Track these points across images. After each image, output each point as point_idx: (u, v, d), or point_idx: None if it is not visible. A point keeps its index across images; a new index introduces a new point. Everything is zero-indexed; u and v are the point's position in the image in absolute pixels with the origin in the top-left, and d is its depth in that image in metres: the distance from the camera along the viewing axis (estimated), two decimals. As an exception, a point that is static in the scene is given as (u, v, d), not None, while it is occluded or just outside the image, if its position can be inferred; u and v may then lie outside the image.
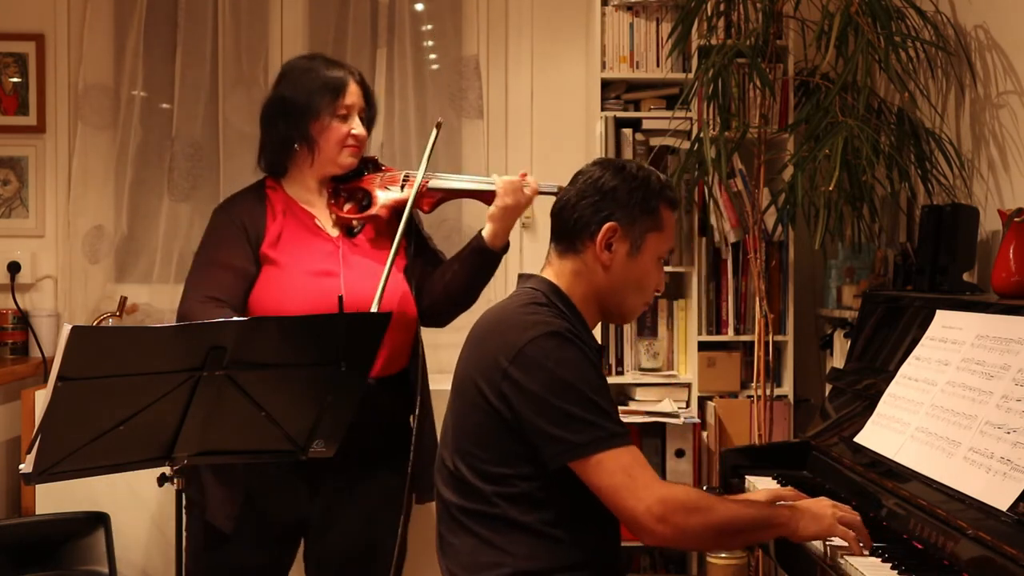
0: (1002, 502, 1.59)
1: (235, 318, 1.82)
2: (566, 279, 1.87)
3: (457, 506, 1.80)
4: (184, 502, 1.96)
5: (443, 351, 3.33)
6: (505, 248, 2.46)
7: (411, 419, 2.42)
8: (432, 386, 2.54)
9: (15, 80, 3.50)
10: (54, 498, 2.99)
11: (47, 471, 1.73)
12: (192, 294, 2.36)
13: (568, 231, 1.87)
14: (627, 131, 3.25)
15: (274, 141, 2.43)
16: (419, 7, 3.55)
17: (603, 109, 3.25)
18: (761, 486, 2.19)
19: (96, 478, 1.94)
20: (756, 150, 3.01)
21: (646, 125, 3.25)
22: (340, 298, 2.22)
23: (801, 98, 3.16)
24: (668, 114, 3.19)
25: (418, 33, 3.55)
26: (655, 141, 3.24)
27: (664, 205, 1.88)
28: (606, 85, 3.28)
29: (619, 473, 1.67)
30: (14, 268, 3.47)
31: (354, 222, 2.43)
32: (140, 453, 1.87)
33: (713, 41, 3.05)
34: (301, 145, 2.40)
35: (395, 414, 2.42)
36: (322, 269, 2.35)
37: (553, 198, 2.02)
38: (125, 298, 3.38)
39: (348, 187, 2.48)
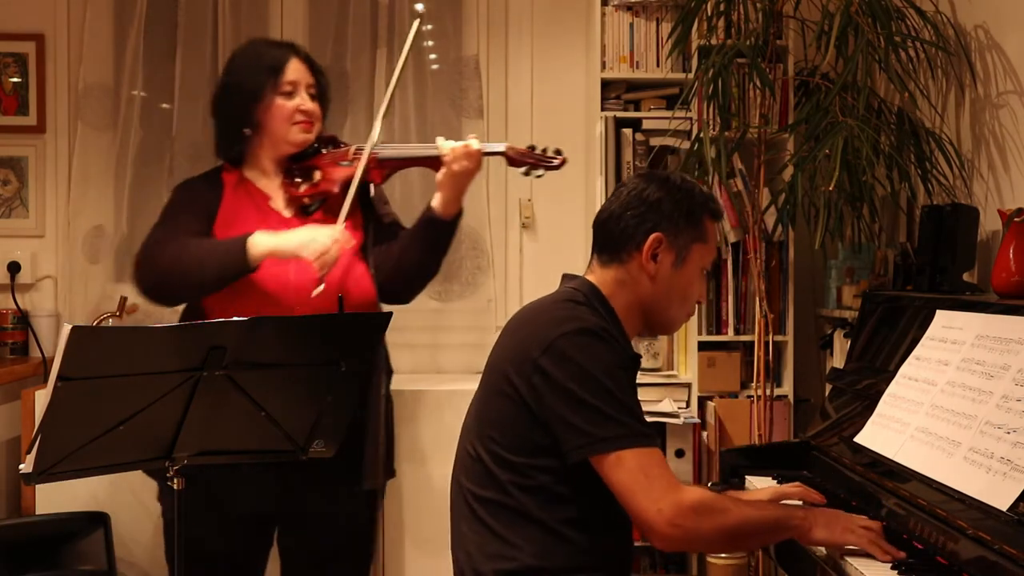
0: (1002, 502, 1.59)
1: (235, 318, 1.82)
2: (609, 288, 1.87)
3: (473, 494, 1.80)
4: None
5: (442, 352, 3.33)
6: (458, 216, 2.42)
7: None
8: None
9: (15, 80, 3.50)
10: (54, 498, 2.99)
11: (47, 471, 1.74)
12: (149, 239, 2.35)
13: (613, 242, 1.87)
14: (627, 131, 3.24)
15: (225, 129, 2.42)
16: (419, 7, 3.54)
17: (603, 109, 3.25)
18: (761, 486, 2.19)
19: (96, 478, 1.94)
20: (756, 150, 3.01)
21: (646, 125, 3.25)
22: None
23: (801, 98, 3.16)
24: (668, 114, 3.19)
25: (418, 33, 3.54)
26: (655, 141, 3.24)
27: (708, 217, 1.89)
28: (606, 85, 3.28)
29: (636, 472, 1.67)
30: (14, 268, 3.47)
31: (306, 199, 2.42)
32: (140, 453, 1.87)
33: (713, 41, 3.04)
34: (250, 130, 2.39)
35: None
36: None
37: (498, 156, 2.14)
38: (125, 298, 3.38)
39: (302, 165, 2.46)
